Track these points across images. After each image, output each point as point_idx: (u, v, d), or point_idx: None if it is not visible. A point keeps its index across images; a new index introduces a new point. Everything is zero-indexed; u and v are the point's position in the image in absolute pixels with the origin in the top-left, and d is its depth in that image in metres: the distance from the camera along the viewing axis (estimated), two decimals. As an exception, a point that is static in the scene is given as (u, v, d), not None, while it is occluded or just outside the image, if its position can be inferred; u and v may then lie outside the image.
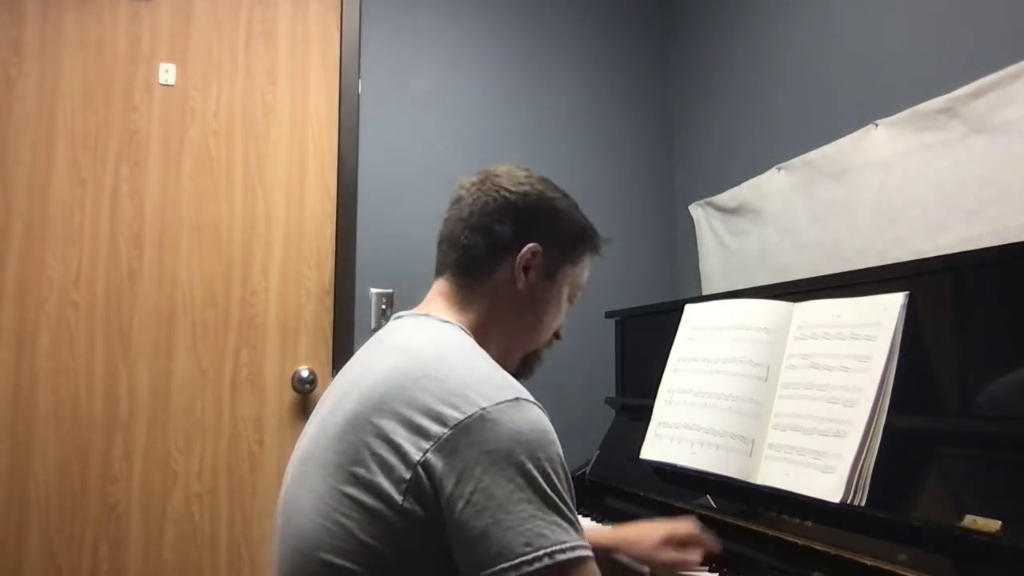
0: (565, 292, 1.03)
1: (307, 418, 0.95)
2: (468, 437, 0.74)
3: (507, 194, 0.96)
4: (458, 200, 0.99)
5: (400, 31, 2.24)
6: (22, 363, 1.88)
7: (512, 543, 0.70)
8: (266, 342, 2.04)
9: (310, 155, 2.13)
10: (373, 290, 2.13)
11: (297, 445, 0.92)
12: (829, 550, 1.02)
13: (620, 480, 1.55)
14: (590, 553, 0.75)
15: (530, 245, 0.95)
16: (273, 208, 2.09)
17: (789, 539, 1.09)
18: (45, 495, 1.86)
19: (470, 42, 2.32)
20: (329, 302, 2.10)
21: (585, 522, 1.50)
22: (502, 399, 0.77)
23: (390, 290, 2.14)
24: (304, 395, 2.04)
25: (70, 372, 1.91)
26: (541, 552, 0.70)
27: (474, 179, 0.99)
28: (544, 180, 1.01)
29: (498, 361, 0.95)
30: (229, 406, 2.00)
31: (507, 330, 0.97)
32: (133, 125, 2.01)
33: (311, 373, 2.04)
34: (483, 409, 0.75)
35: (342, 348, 2.06)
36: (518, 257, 0.95)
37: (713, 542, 1.15)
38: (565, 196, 1.01)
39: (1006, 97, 1.32)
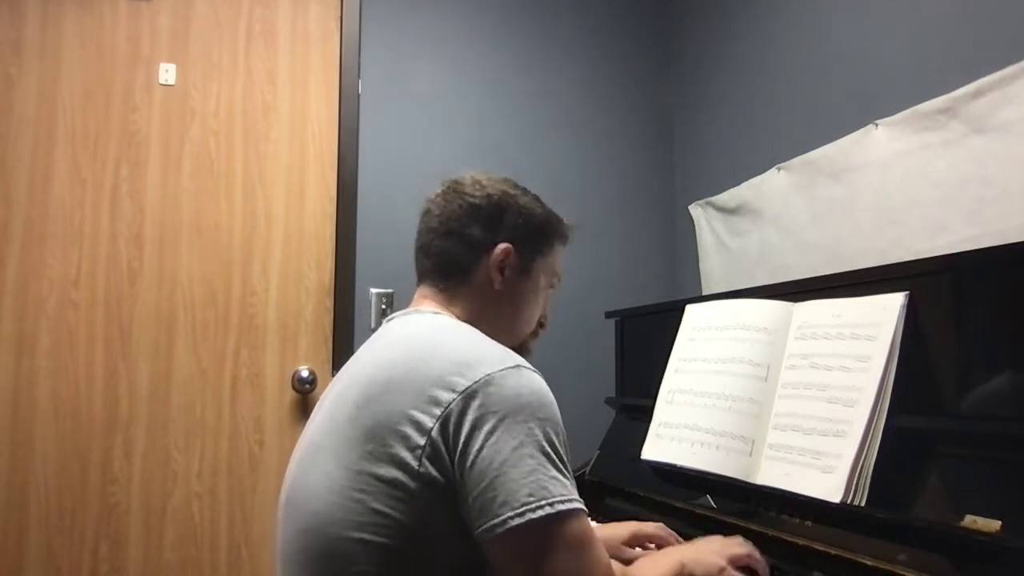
0: (542, 282, 1.07)
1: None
2: (476, 399, 0.79)
3: (471, 199, 1.01)
4: (426, 212, 1.04)
5: (400, 32, 2.24)
6: (22, 363, 1.88)
7: (516, 493, 0.75)
8: (266, 342, 2.04)
9: (310, 155, 2.13)
10: (373, 290, 2.13)
11: (300, 439, 0.94)
12: (829, 550, 1.02)
13: (620, 480, 1.55)
14: (584, 507, 0.80)
15: (502, 246, 1.00)
16: (273, 208, 2.09)
17: (789, 539, 1.09)
18: (45, 495, 1.86)
19: (470, 43, 2.32)
20: (329, 302, 2.10)
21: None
22: (505, 366, 0.83)
23: (390, 290, 2.14)
24: (304, 395, 2.04)
25: (70, 372, 1.91)
26: (543, 501, 0.76)
27: (439, 191, 1.04)
28: (505, 180, 1.05)
29: None
30: (229, 406, 2.00)
31: (492, 327, 0.99)
32: (133, 125, 2.01)
33: (311, 373, 2.04)
34: (487, 375, 0.81)
35: (342, 348, 2.06)
36: (491, 258, 1.00)
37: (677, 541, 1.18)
38: (526, 192, 1.06)
39: (1006, 97, 1.32)
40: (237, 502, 1.98)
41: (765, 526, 1.14)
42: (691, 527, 1.26)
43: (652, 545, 1.20)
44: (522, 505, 0.75)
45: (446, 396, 0.80)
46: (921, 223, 1.48)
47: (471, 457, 0.77)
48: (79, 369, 1.91)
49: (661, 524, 1.21)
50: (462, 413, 0.79)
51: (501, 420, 0.78)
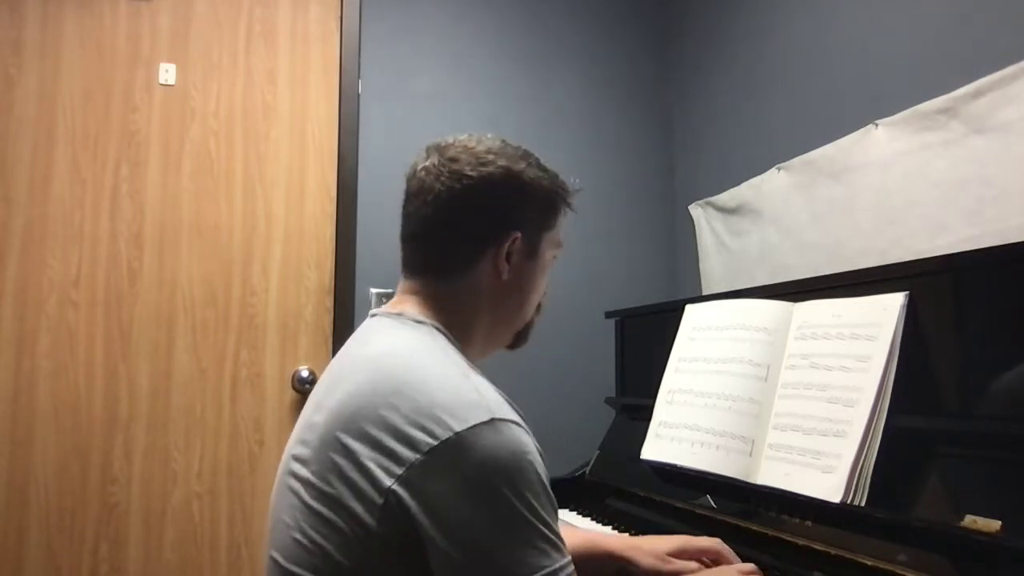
0: (549, 257, 0.96)
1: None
2: (440, 463, 0.71)
3: (470, 181, 0.87)
4: (416, 194, 0.90)
5: (400, 31, 2.24)
6: (22, 363, 1.88)
7: (496, 575, 0.70)
8: (266, 342, 2.04)
9: (310, 155, 2.13)
10: (373, 290, 2.13)
11: (285, 450, 0.90)
12: (829, 550, 1.02)
13: (620, 480, 1.55)
14: (572, 568, 0.74)
15: (510, 235, 0.88)
16: (273, 208, 2.09)
17: (789, 539, 1.09)
18: (45, 495, 1.86)
19: (470, 42, 2.32)
20: (329, 302, 2.10)
21: (587, 524, 1.50)
22: (476, 421, 0.72)
23: (390, 290, 2.13)
24: (304, 395, 2.04)
25: (70, 372, 1.91)
26: None
27: (428, 163, 0.90)
28: (504, 148, 0.91)
29: (487, 345, 0.93)
30: (229, 406, 2.00)
31: (494, 319, 0.92)
32: (133, 125, 2.01)
33: (311, 373, 2.04)
34: (456, 433, 0.71)
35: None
36: (500, 248, 0.88)
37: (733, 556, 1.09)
38: (527, 156, 0.93)
39: (1006, 97, 1.32)
40: (237, 502, 1.98)
41: (765, 526, 1.14)
42: (691, 527, 1.26)
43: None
44: None
45: (407, 454, 0.71)
46: (921, 223, 1.48)
47: (439, 533, 0.70)
48: (79, 369, 1.91)
49: (717, 539, 1.09)
50: (425, 478, 0.70)
51: (470, 491, 0.70)
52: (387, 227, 2.16)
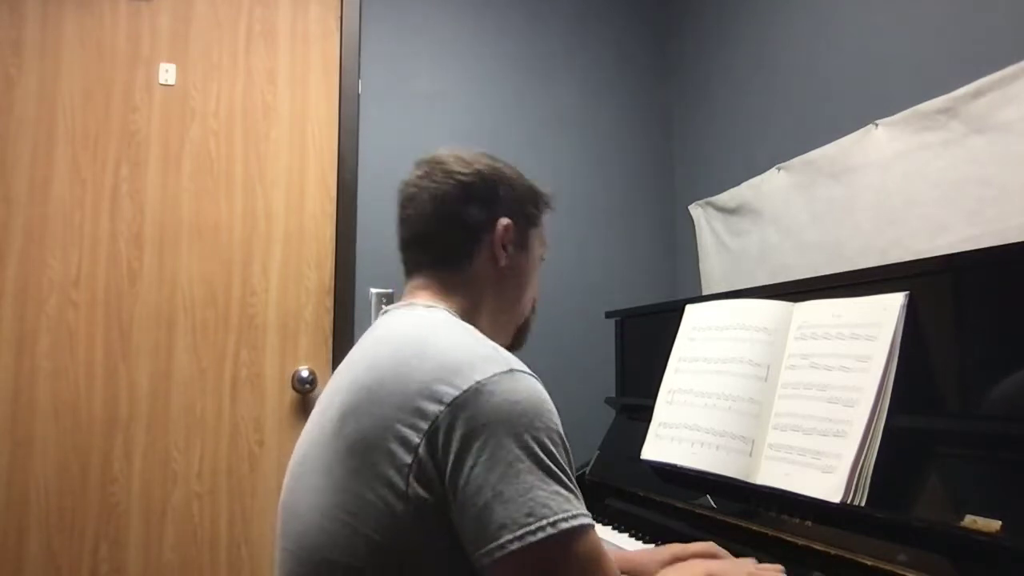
0: (538, 254, 1.04)
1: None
2: (465, 412, 0.73)
3: (461, 177, 0.95)
4: (411, 199, 0.96)
5: (400, 31, 2.24)
6: (22, 363, 1.88)
7: (514, 514, 0.70)
8: (266, 342, 2.04)
9: (310, 155, 2.13)
10: (373, 290, 2.13)
11: (296, 447, 0.92)
12: (829, 550, 1.02)
13: (620, 480, 1.55)
14: (591, 521, 0.75)
15: (503, 221, 0.95)
16: (273, 208, 2.09)
17: (789, 539, 1.09)
18: (45, 495, 1.86)
19: (470, 42, 2.32)
20: (329, 302, 2.10)
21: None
22: (496, 371, 0.76)
23: (390, 290, 2.14)
24: (304, 395, 2.04)
25: (70, 372, 1.91)
26: (544, 522, 0.70)
27: (419, 173, 0.97)
28: (484, 153, 1.00)
29: (493, 336, 0.93)
30: (229, 406, 2.00)
31: (496, 309, 0.97)
32: (133, 125, 2.01)
33: (311, 373, 2.04)
34: (477, 383, 0.74)
35: (342, 348, 2.06)
36: (495, 236, 0.95)
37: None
38: (507, 164, 1.02)
39: (1006, 97, 1.32)
40: (237, 502, 1.98)
41: (765, 526, 1.14)
42: (691, 527, 1.27)
43: None
44: (521, 527, 0.69)
45: (433, 408, 0.74)
46: (921, 223, 1.48)
47: (464, 475, 0.71)
48: (79, 369, 1.91)
49: (711, 543, 1.11)
50: (451, 427, 0.73)
51: (494, 433, 0.72)
52: (387, 227, 2.16)
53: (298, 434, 0.95)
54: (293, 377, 2.04)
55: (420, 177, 0.96)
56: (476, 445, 0.72)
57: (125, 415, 1.93)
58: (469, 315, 0.94)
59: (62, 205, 1.94)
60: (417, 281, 0.96)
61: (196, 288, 2.01)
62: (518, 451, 0.72)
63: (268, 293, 2.06)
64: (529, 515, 0.70)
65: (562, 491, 0.73)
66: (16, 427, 1.86)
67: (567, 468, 0.76)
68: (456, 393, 0.74)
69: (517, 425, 0.73)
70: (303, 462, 0.85)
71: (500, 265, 0.96)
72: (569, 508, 0.72)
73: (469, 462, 0.72)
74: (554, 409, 0.78)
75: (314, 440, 0.84)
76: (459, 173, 0.95)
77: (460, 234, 0.94)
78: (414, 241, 0.97)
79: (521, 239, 0.99)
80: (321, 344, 2.09)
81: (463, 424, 0.73)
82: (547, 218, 1.05)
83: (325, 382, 2.03)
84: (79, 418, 1.90)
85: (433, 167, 0.96)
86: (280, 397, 2.04)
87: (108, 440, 1.91)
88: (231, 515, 1.97)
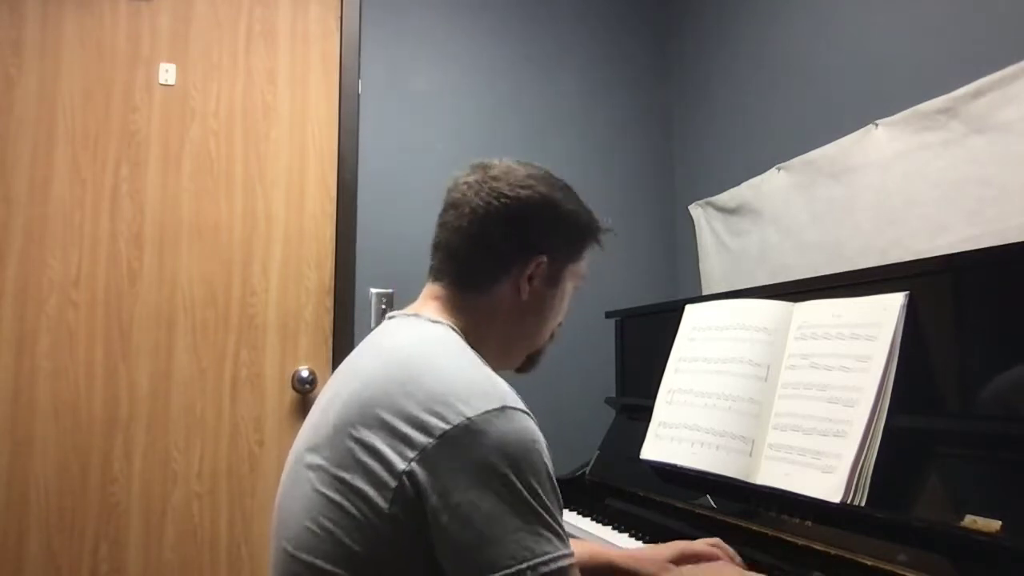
0: (570, 287, 1.00)
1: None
2: (453, 448, 0.73)
3: (507, 200, 0.90)
4: (454, 205, 0.93)
5: (400, 31, 2.24)
6: (22, 363, 1.88)
7: (497, 557, 0.71)
8: (266, 342, 2.04)
9: (310, 155, 2.13)
10: (373, 290, 2.13)
11: (293, 445, 0.92)
12: (829, 550, 1.02)
13: (620, 480, 1.55)
14: (573, 560, 0.75)
15: (537, 258, 0.91)
16: (273, 208, 2.09)
17: (789, 539, 1.09)
18: (45, 495, 1.86)
19: (470, 42, 2.32)
20: (329, 302, 2.10)
21: (587, 524, 1.50)
22: (488, 408, 0.75)
23: (390, 290, 2.14)
24: (304, 395, 2.04)
25: (70, 372, 1.90)
26: (524, 565, 0.71)
27: (471, 179, 0.93)
28: (545, 177, 0.96)
29: (499, 361, 0.94)
30: (229, 406, 2.00)
31: (508, 336, 0.94)
32: (133, 125, 2.01)
33: (311, 373, 2.04)
34: (468, 419, 0.74)
35: (342, 348, 2.06)
36: (523, 272, 0.91)
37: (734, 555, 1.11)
38: (566, 189, 0.97)
39: (1006, 97, 1.32)
40: (237, 502, 1.98)
41: (765, 526, 1.14)
42: (691, 527, 1.27)
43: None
44: (502, 570, 0.70)
45: (420, 439, 0.73)
46: (921, 223, 1.48)
47: (447, 514, 0.72)
48: (79, 369, 1.91)
49: (717, 539, 1.11)
50: (437, 461, 0.73)
51: (479, 473, 0.72)
52: (387, 227, 2.18)
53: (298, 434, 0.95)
54: (293, 377, 2.04)
55: (468, 186, 0.92)
56: (463, 483, 0.72)
57: (125, 415, 1.93)
58: (476, 335, 0.91)
59: (62, 205, 1.94)
60: (434, 288, 0.94)
61: (196, 288, 2.01)
62: (504, 492, 0.72)
63: (268, 293, 2.06)
64: (511, 557, 0.71)
65: (545, 532, 0.73)
66: (16, 427, 1.86)
67: (553, 508, 0.76)
68: (446, 427, 0.73)
69: (505, 465, 0.73)
70: (298, 462, 0.86)
71: (522, 299, 0.92)
72: (550, 550, 0.72)
73: (454, 498, 0.72)
74: (544, 447, 0.77)
75: (309, 443, 0.85)
76: (505, 196, 0.90)
77: (489, 260, 0.91)
78: (443, 249, 0.94)
79: (553, 275, 0.94)
80: (321, 344, 2.09)
81: (450, 459, 0.73)
82: (591, 252, 1.01)
83: (325, 382, 2.02)
84: (79, 418, 1.90)
85: (484, 180, 0.92)
86: (280, 397, 2.04)
87: (108, 440, 1.91)
88: (231, 515, 1.97)
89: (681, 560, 1.08)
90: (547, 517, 0.74)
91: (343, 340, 2.07)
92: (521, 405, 0.78)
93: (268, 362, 2.04)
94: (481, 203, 0.90)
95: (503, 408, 0.76)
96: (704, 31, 2.35)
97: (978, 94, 1.37)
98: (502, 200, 0.90)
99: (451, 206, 0.94)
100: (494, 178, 0.92)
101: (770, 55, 2.03)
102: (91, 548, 1.87)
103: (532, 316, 0.95)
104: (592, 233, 1.00)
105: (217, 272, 2.03)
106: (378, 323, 2.14)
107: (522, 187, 0.92)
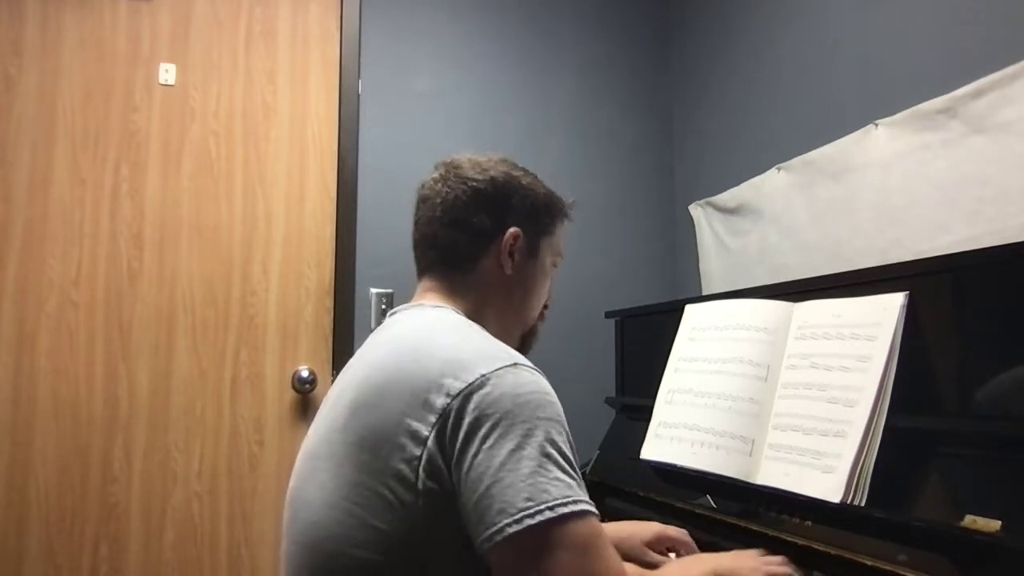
0: (548, 262, 1.04)
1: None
2: (471, 402, 0.75)
3: (475, 183, 0.96)
4: (424, 200, 0.99)
5: (400, 31, 2.24)
6: (22, 363, 1.88)
7: (513, 499, 0.71)
8: (266, 342, 2.04)
9: (310, 155, 2.13)
10: (373, 290, 2.13)
11: (304, 443, 0.92)
12: (829, 550, 1.02)
13: (620, 480, 1.55)
14: (593, 508, 0.75)
15: (511, 230, 0.97)
16: (273, 208, 2.09)
17: (789, 539, 1.09)
18: (45, 495, 1.86)
19: (470, 42, 2.32)
20: (329, 302, 2.10)
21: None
22: (501, 365, 0.78)
23: (390, 290, 2.14)
24: (304, 395, 2.04)
25: (70, 372, 1.91)
26: (543, 506, 0.71)
27: (436, 175, 1.00)
28: (505, 160, 1.02)
29: (499, 339, 0.95)
30: (229, 406, 2.00)
31: (502, 313, 0.98)
32: (133, 125, 2.01)
33: (311, 373, 2.04)
34: (483, 375, 0.77)
35: (342, 348, 2.06)
36: (502, 244, 0.96)
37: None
38: (526, 172, 1.03)
39: (1006, 97, 1.32)
40: (237, 502, 1.98)
41: (765, 526, 1.14)
42: (691, 527, 1.26)
43: (673, 554, 1.15)
44: (520, 511, 0.70)
45: (441, 401, 0.76)
46: (921, 223, 1.48)
47: (467, 464, 0.73)
48: (79, 369, 1.91)
49: (683, 530, 1.17)
50: (458, 417, 0.75)
51: (498, 422, 0.74)
52: (387, 227, 2.18)
53: (298, 434, 0.96)
54: (293, 377, 2.04)
55: (435, 180, 0.99)
56: (481, 433, 0.74)
57: (125, 415, 1.93)
58: (475, 316, 0.95)
59: (62, 205, 1.94)
60: (426, 283, 0.99)
61: (196, 288, 2.01)
62: (521, 439, 0.73)
63: (268, 293, 2.06)
64: (528, 499, 0.71)
65: (563, 477, 0.74)
66: (16, 427, 1.86)
67: (570, 457, 0.77)
68: (462, 385, 0.76)
69: (521, 414, 0.75)
70: (312, 456, 0.86)
71: (506, 273, 0.97)
72: (569, 494, 0.73)
73: (472, 450, 0.73)
74: (558, 403, 0.79)
75: (323, 435, 0.85)
76: (472, 179, 0.97)
77: (466, 238, 0.96)
78: (423, 241, 0.99)
79: (531, 247, 1.00)
80: (321, 344, 2.09)
81: (469, 414, 0.75)
82: (564, 227, 1.06)
83: (325, 382, 2.04)
84: (79, 418, 1.90)
85: (449, 171, 0.98)
86: (280, 397, 2.04)
87: (108, 440, 1.91)
88: (231, 515, 1.97)
89: (657, 543, 1.13)
90: (564, 464, 0.75)
91: (343, 340, 2.07)
92: (533, 366, 0.82)
93: (268, 362, 2.04)
94: (449, 191, 0.97)
95: (515, 364, 0.79)
96: (704, 31, 2.35)
97: (978, 94, 1.37)
98: (469, 183, 0.97)
99: (421, 201, 1.00)
100: (457, 167, 0.99)
101: (770, 55, 2.03)
102: (91, 548, 1.87)
103: (519, 290, 1.00)
104: (558, 206, 1.05)
105: (217, 272, 2.03)
106: (378, 323, 2.14)
107: (484, 169, 0.99)
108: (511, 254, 0.97)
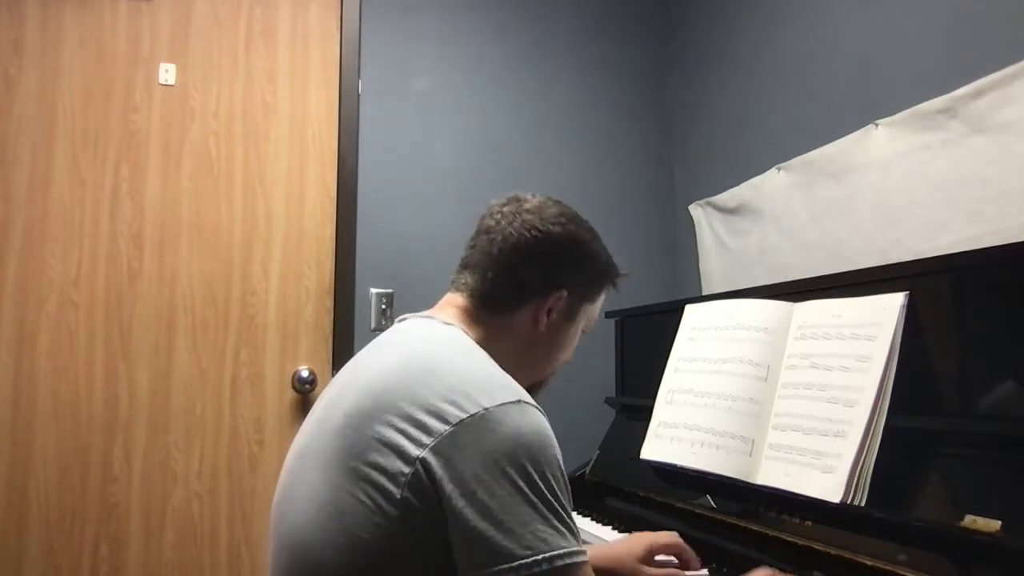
0: (581, 326, 1.04)
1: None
2: (469, 435, 0.74)
3: (538, 234, 0.94)
4: (486, 231, 0.97)
5: (400, 31, 2.24)
6: (22, 363, 1.88)
7: (512, 546, 0.71)
8: (266, 342, 2.04)
9: (310, 155, 2.13)
10: (373, 290, 2.13)
11: (294, 443, 0.92)
12: (829, 550, 1.02)
13: (620, 480, 1.55)
14: (587, 558, 0.75)
15: (558, 292, 0.95)
16: (273, 208, 2.09)
17: (789, 539, 1.09)
18: (45, 495, 1.86)
19: (470, 42, 2.32)
20: (329, 302, 2.10)
21: (587, 524, 1.50)
22: (504, 400, 0.77)
23: (390, 290, 2.14)
24: (304, 395, 2.04)
25: (70, 372, 1.90)
26: (540, 557, 0.71)
27: (505, 208, 0.97)
28: (575, 218, 0.99)
29: None
30: (229, 406, 2.00)
31: (516, 361, 0.95)
32: (133, 125, 2.01)
33: (311, 373, 2.04)
34: (485, 409, 0.75)
35: (342, 348, 2.06)
36: (543, 304, 0.95)
37: (694, 557, 1.14)
38: (592, 231, 1.01)
39: (1006, 97, 1.32)
40: (237, 502, 1.98)
41: (765, 526, 1.14)
42: (691, 527, 1.27)
43: (669, 556, 1.14)
44: (517, 560, 0.70)
45: (437, 426, 0.75)
46: (921, 223, 1.48)
47: (462, 501, 0.72)
48: (79, 369, 1.91)
49: (674, 532, 1.16)
50: (454, 448, 0.74)
51: (496, 462, 0.73)
52: (387, 227, 2.18)
53: (298, 434, 0.95)
54: (293, 377, 2.04)
55: (502, 215, 0.97)
56: (479, 471, 0.73)
57: (125, 415, 1.93)
58: (488, 348, 0.92)
59: (62, 205, 1.94)
60: (455, 298, 0.97)
61: (196, 288, 2.01)
62: (520, 482, 0.73)
63: (268, 293, 2.06)
64: (527, 548, 0.71)
65: (559, 526, 0.74)
66: (16, 427, 1.86)
67: (566, 503, 0.77)
68: (462, 415, 0.75)
69: (521, 456, 0.74)
70: (302, 456, 0.86)
71: (539, 329, 0.96)
72: (565, 545, 0.73)
73: (470, 486, 0.72)
74: (557, 445, 0.78)
75: (315, 436, 0.85)
76: (536, 230, 0.94)
77: (513, 287, 0.95)
78: (472, 269, 0.97)
79: (570, 312, 0.99)
80: (321, 344, 2.08)
81: (466, 447, 0.74)
82: (606, 295, 1.05)
83: (325, 382, 2.04)
84: (79, 418, 1.90)
85: (518, 212, 0.96)
86: (280, 397, 2.04)
87: (108, 440, 1.91)
88: (231, 515, 1.97)
89: (650, 555, 1.11)
90: (562, 513, 0.75)
91: (343, 340, 2.07)
92: (536, 404, 0.80)
93: (268, 362, 2.04)
94: (513, 233, 0.95)
95: (519, 402, 0.78)
96: (704, 31, 2.35)
97: (978, 94, 1.37)
98: (533, 233, 0.94)
99: (483, 231, 0.98)
100: (527, 211, 0.96)
101: (770, 55, 2.03)
102: (91, 548, 1.87)
103: (544, 347, 0.99)
104: (610, 276, 1.04)
105: (217, 272, 2.03)
106: (378, 323, 2.15)
107: (553, 223, 0.96)
108: (549, 312, 0.96)
